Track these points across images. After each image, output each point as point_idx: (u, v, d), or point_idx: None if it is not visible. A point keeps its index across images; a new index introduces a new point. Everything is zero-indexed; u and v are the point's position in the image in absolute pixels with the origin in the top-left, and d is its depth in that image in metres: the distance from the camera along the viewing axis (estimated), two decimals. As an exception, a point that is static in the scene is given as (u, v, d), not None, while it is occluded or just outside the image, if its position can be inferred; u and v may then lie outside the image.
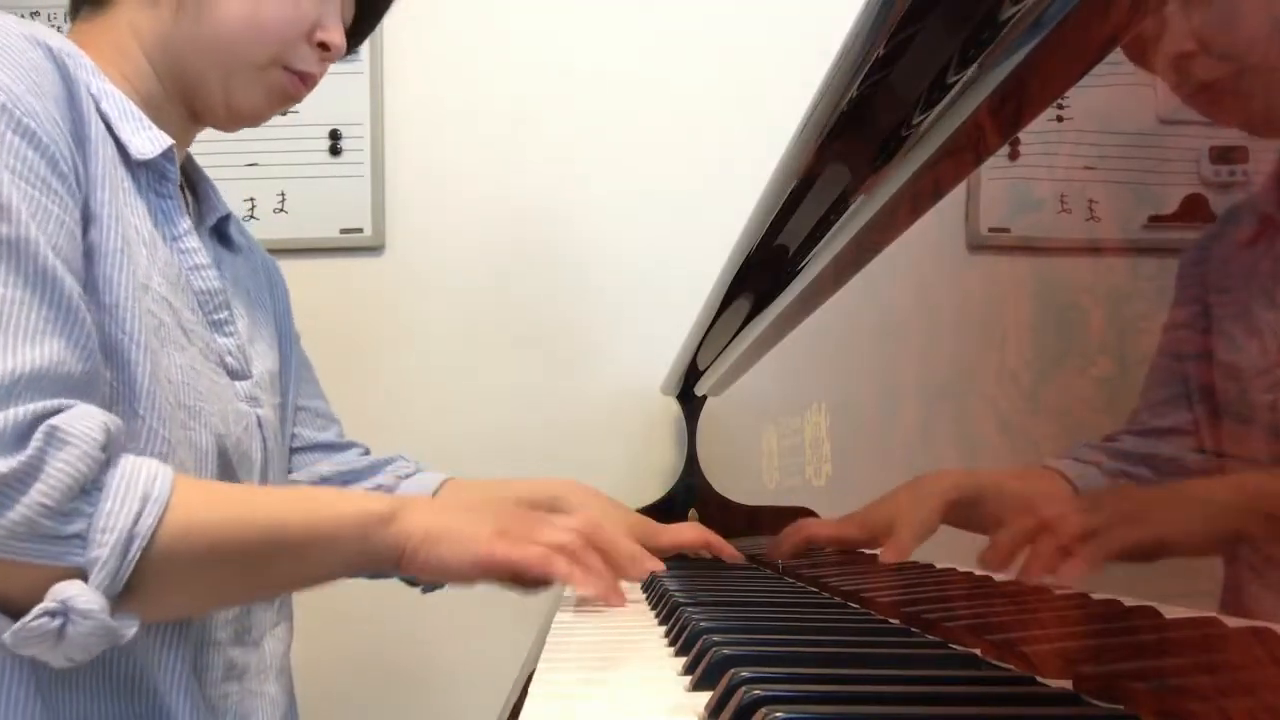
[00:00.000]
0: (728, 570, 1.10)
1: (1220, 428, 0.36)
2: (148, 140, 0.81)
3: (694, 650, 0.58)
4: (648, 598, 0.92)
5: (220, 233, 0.96)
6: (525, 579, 0.79)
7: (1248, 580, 0.35)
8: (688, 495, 1.62)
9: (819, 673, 0.48)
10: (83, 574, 0.63)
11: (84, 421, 0.64)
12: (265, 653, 0.90)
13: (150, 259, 0.79)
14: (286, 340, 1.03)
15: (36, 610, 0.61)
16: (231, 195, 1.70)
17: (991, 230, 0.57)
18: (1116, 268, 0.44)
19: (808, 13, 1.67)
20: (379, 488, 1.11)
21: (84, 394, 0.68)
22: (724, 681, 0.47)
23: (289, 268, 1.75)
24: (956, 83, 0.55)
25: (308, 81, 0.91)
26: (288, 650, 0.96)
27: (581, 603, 0.83)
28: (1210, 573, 0.37)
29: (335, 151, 1.74)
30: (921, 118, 0.60)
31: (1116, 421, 0.44)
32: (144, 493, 0.65)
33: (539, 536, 0.79)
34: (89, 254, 0.73)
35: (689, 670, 0.56)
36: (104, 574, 0.62)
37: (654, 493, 1.63)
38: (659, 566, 0.94)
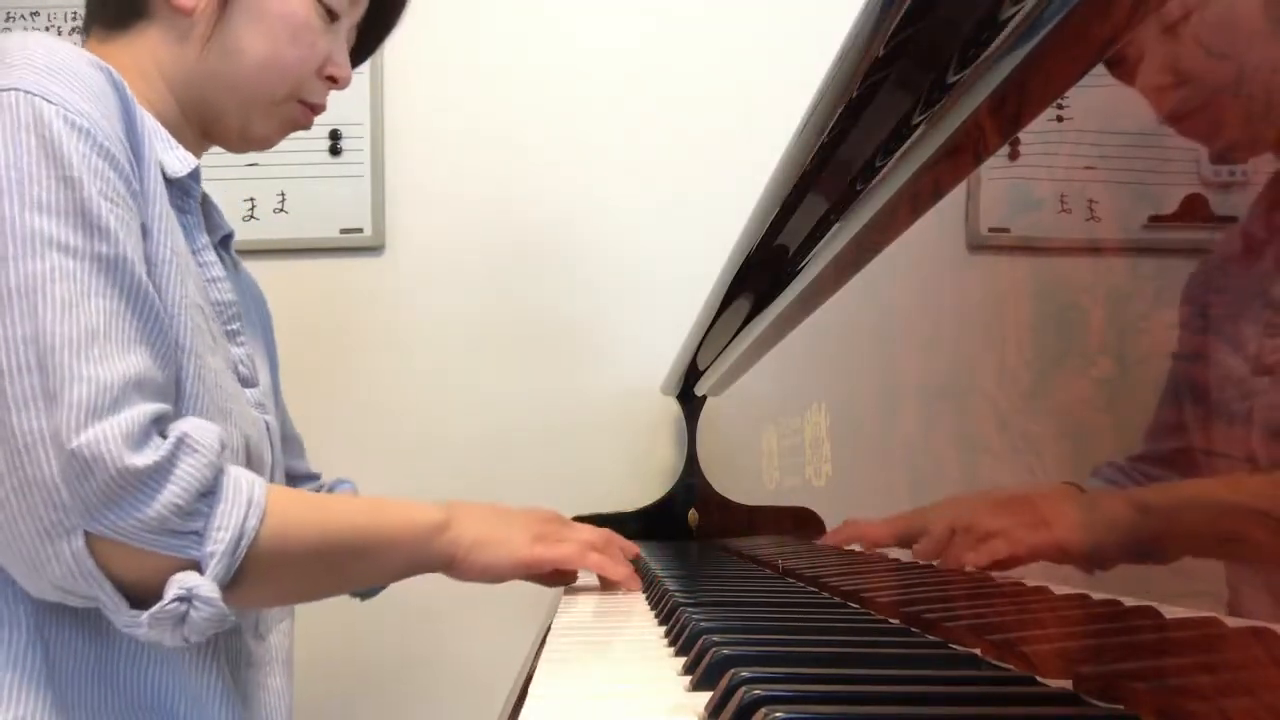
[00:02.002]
0: (728, 570, 1.10)
1: (1222, 433, 0.36)
2: (176, 159, 0.85)
3: (694, 650, 0.58)
4: (648, 598, 0.92)
5: (221, 252, 0.98)
6: (558, 575, 0.96)
7: (1248, 580, 0.35)
8: (688, 495, 1.62)
9: (819, 673, 0.48)
10: (197, 566, 0.71)
11: (207, 433, 0.72)
12: (271, 646, 0.94)
13: (186, 269, 0.83)
14: (273, 359, 1.07)
15: (169, 597, 0.69)
16: (231, 195, 1.71)
17: (991, 230, 0.57)
18: (1116, 268, 0.44)
19: (808, 12, 1.67)
20: None
21: (167, 399, 0.75)
22: (724, 681, 0.47)
23: (289, 268, 1.76)
24: (956, 83, 0.55)
25: (316, 111, 0.99)
26: (291, 646, 0.99)
27: (606, 586, 0.98)
28: (1210, 573, 0.37)
29: (335, 151, 1.74)
30: (921, 118, 0.60)
31: (1116, 422, 0.44)
32: (248, 498, 0.73)
33: (570, 536, 0.95)
34: (146, 265, 0.78)
35: (689, 670, 0.56)
36: (219, 567, 0.71)
37: (654, 493, 1.63)
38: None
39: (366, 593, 1.11)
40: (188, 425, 0.72)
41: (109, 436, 0.67)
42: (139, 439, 0.69)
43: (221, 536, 0.71)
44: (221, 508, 0.72)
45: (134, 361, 0.71)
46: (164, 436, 0.71)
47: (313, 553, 0.79)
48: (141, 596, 0.70)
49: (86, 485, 0.67)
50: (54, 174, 0.71)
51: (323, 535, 0.80)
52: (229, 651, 0.86)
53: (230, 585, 0.72)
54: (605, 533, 1.00)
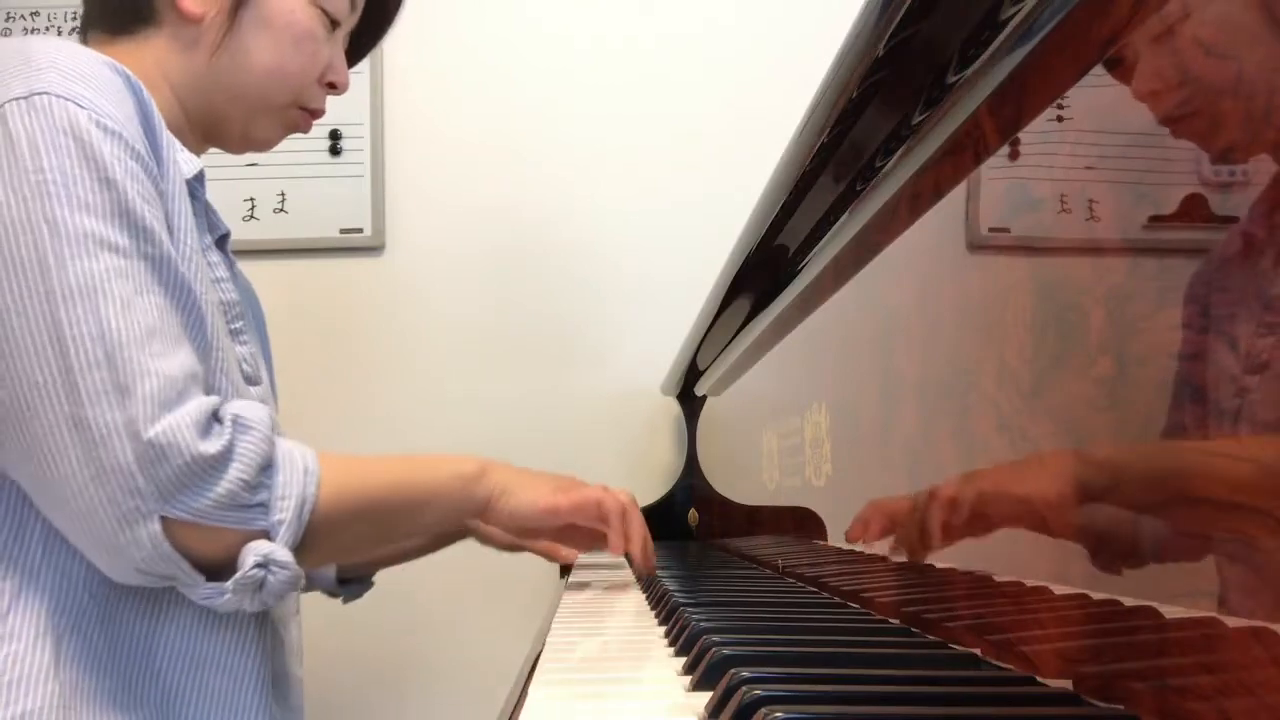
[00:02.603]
0: (728, 570, 1.10)
1: (1223, 433, 0.36)
2: (184, 160, 0.86)
3: (694, 650, 0.58)
4: (648, 598, 0.92)
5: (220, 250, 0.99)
6: (577, 535, 1.00)
7: (1248, 580, 0.35)
8: (687, 495, 1.62)
9: (819, 673, 0.48)
10: (266, 535, 0.75)
11: (258, 411, 0.77)
12: (292, 636, 0.96)
13: (203, 268, 0.85)
14: (269, 361, 1.08)
15: (249, 564, 0.73)
16: (231, 195, 1.71)
17: (991, 230, 0.57)
18: (1116, 268, 0.44)
19: (807, 13, 1.67)
20: None
21: (211, 390, 0.79)
22: (724, 681, 0.47)
23: (289, 268, 1.76)
24: (956, 83, 0.55)
25: (316, 116, 1.01)
26: (301, 638, 1.01)
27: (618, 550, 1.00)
28: (1210, 573, 0.37)
29: (335, 151, 1.74)
30: (921, 117, 0.60)
31: (1116, 421, 0.44)
32: (304, 466, 0.78)
33: (588, 493, 0.97)
34: None
35: (689, 670, 0.56)
36: (289, 532, 0.75)
37: (654, 493, 1.63)
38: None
39: (350, 594, 1.16)
40: (238, 407, 0.76)
41: (182, 425, 0.71)
42: (206, 426, 0.73)
43: (286, 505, 0.75)
44: (281, 478, 0.76)
45: (186, 355, 0.75)
46: (221, 421, 0.75)
47: (368, 509, 0.84)
48: (215, 570, 0.74)
49: (161, 471, 0.70)
50: (94, 176, 0.73)
51: (375, 492, 0.85)
52: (274, 641, 0.89)
53: (299, 548, 0.76)
54: (625, 500, 1.00)
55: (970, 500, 0.59)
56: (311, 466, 0.78)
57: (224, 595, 0.74)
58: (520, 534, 1.02)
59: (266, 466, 0.75)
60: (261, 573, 0.74)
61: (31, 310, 0.70)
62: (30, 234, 0.71)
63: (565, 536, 1.03)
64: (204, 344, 0.79)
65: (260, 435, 0.75)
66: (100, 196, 0.73)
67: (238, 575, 0.73)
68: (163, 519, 0.71)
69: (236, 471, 0.73)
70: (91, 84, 0.76)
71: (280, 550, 0.75)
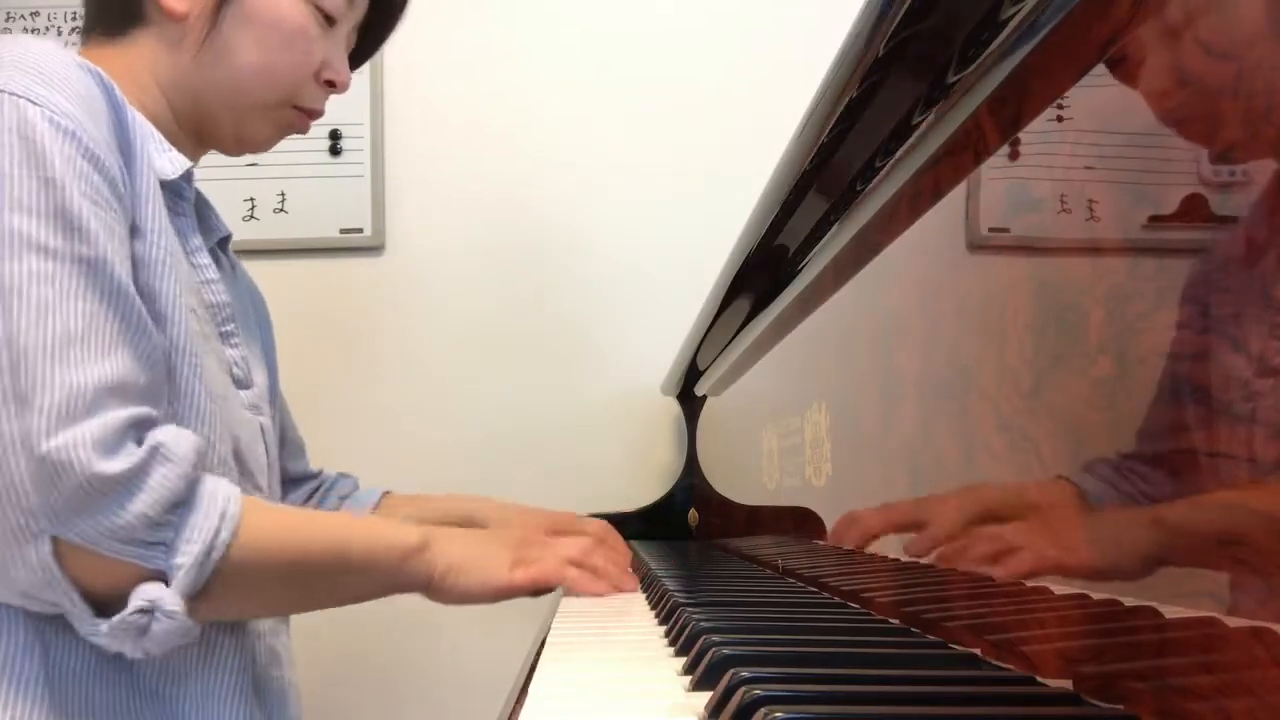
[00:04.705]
0: (728, 570, 1.10)
1: (1222, 433, 0.36)
2: (169, 162, 0.85)
3: (694, 650, 0.58)
4: (648, 598, 0.92)
5: (218, 254, 0.99)
6: (541, 593, 0.93)
7: (1248, 580, 0.35)
8: (687, 495, 1.62)
9: (819, 673, 0.48)
10: (162, 577, 0.70)
11: (183, 443, 0.72)
12: (283, 644, 0.95)
13: (180, 270, 0.83)
14: (272, 363, 1.07)
15: (131, 608, 0.69)
16: (231, 195, 1.71)
17: (991, 230, 0.57)
18: (1116, 268, 0.44)
19: (808, 12, 1.67)
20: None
21: (151, 402, 0.74)
22: (724, 681, 0.47)
23: (289, 268, 1.76)
24: (956, 83, 0.55)
25: (314, 116, 0.99)
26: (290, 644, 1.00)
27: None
28: (1210, 573, 0.37)
29: (335, 151, 1.74)
30: (921, 118, 0.60)
31: (1116, 422, 0.44)
32: (221, 510, 0.72)
33: (548, 555, 0.92)
34: (135, 266, 0.77)
35: (689, 670, 0.56)
36: (186, 579, 0.70)
37: (654, 493, 1.63)
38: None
39: None
40: (164, 434, 0.71)
41: (80, 442, 0.67)
42: (112, 445, 0.68)
43: (190, 550, 0.70)
44: (192, 519, 0.71)
45: (113, 365, 0.70)
46: (140, 443, 0.70)
47: (286, 568, 0.78)
48: (106, 604, 0.70)
49: (55, 491, 0.66)
50: (35, 175, 0.71)
51: (298, 551, 0.79)
52: (258, 653, 0.87)
53: (197, 597, 0.71)
54: (592, 538, 0.98)
55: (970, 513, 0.59)
56: (231, 511, 0.73)
57: (99, 635, 0.70)
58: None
59: (178, 504, 0.71)
60: (144, 619, 0.69)
61: None
62: None
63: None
64: (152, 352, 0.75)
65: (178, 471, 0.70)
66: (37, 196, 0.70)
67: (116, 618, 0.69)
68: (54, 541, 0.67)
69: (141, 504, 0.68)
70: (53, 82, 0.74)
71: (170, 597, 0.69)
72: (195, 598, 0.71)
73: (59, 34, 1.76)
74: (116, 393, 0.70)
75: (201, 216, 0.97)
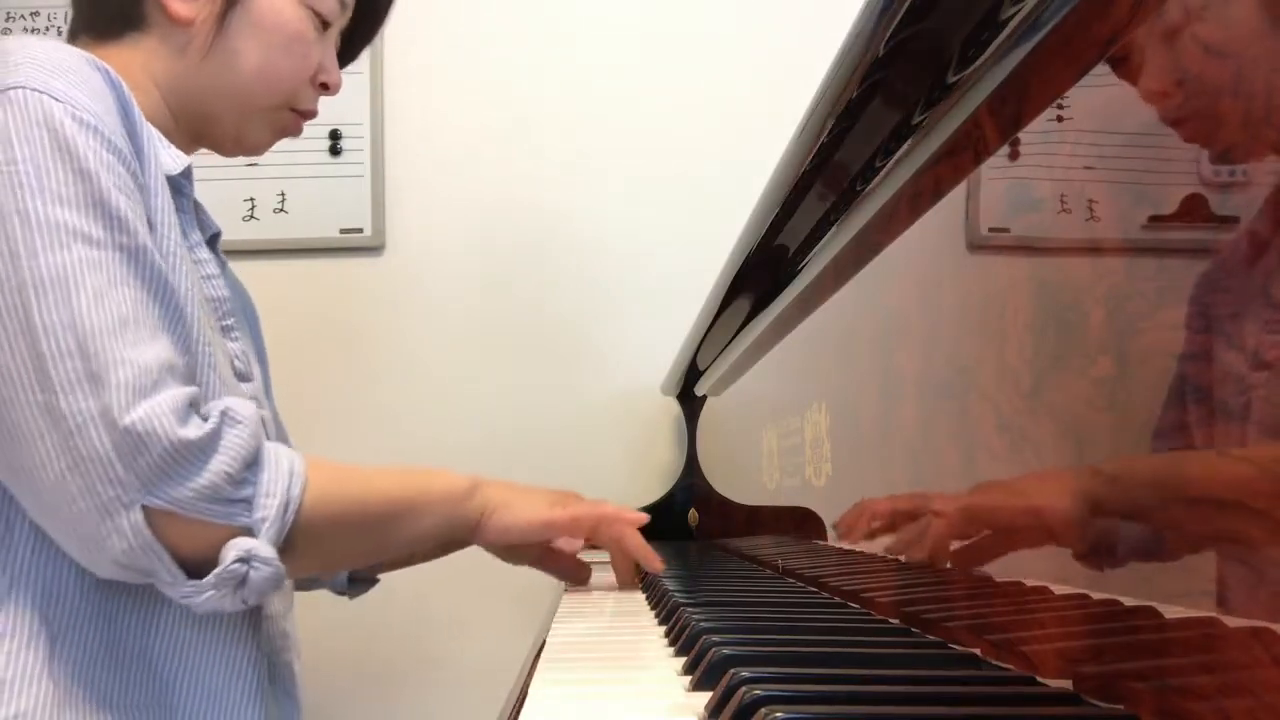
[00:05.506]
0: (728, 570, 1.10)
1: (1224, 433, 0.36)
2: (170, 158, 0.86)
3: (694, 650, 0.58)
4: (648, 598, 0.92)
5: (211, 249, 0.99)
6: (575, 567, 1.03)
7: (1248, 580, 0.35)
8: (687, 495, 1.62)
9: (819, 673, 0.48)
10: (249, 532, 0.73)
11: (246, 407, 0.76)
12: (292, 629, 0.96)
13: (187, 263, 0.84)
14: (263, 357, 1.08)
15: (230, 559, 0.72)
16: (231, 195, 1.71)
17: (991, 230, 0.57)
18: (1116, 268, 0.44)
19: (808, 12, 1.67)
20: None
21: (192, 383, 0.77)
22: (724, 681, 0.47)
23: (289, 268, 1.76)
24: (956, 83, 0.55)
25: (307, 118, 1.01)
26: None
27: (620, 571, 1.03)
28: (1210, 573, 0.37)
29: (335, 151, 1.74)
30: (921, 117, 0.60)
31: (1116, 421, 0.44)
32: (289, 467, 0.76)
33: (588, 504, 0.99)
34: None
35: (689, 670, 0.56)
36: (273, 530, 0.74)
37: (654, 493, 1.63)
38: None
39: (356, 589, 1.14)
40: (228, 401, 0.75)
41: (159, 413, 0.70)
42: (185, 414, 0.71)
43: (269, 504, 0.74)
44: (266, 475, 0.75)
45: (163, 347, 0.73)
46: (204, 418, 0.73)
47: (354, 518, 0.83)
48: (197, 568, 0.73)
49: (141, 460, 0.69)
50: (69, 167, 0.73)
51: (362, 501, 0.84)
52: (272, 635, 0.89)
53: (281, 552, 0.75)
54: (622, 514, 1.02)
55: (970, 511, 0.59)
56: (298, 469, 0.77)
57: (204, 592, 0.72)
58: (508, 552, 1.01)
59: (252, 463, 0.74)
60: (243, 568, 0.72)
61: (3, 301, 0.70)
62: (2, 226, 0.70)
63: (547, 562, 1.03)
64: (185, 338, 0.78)
65: (248, 430, 0.74)
66: (74, 188, 0.72)
67: (218, 570, 0.72)
68: (144, 509, 0.70)
69: (220, 464, 0.72)
70: (68, 78, 0.75)
71: (263, 546, 0.73)
72: (281, 551, 0.75)
73: (59, 34, 1.76)
74: (174, 371, 0.73)
75: (195, 212, 0.98)
